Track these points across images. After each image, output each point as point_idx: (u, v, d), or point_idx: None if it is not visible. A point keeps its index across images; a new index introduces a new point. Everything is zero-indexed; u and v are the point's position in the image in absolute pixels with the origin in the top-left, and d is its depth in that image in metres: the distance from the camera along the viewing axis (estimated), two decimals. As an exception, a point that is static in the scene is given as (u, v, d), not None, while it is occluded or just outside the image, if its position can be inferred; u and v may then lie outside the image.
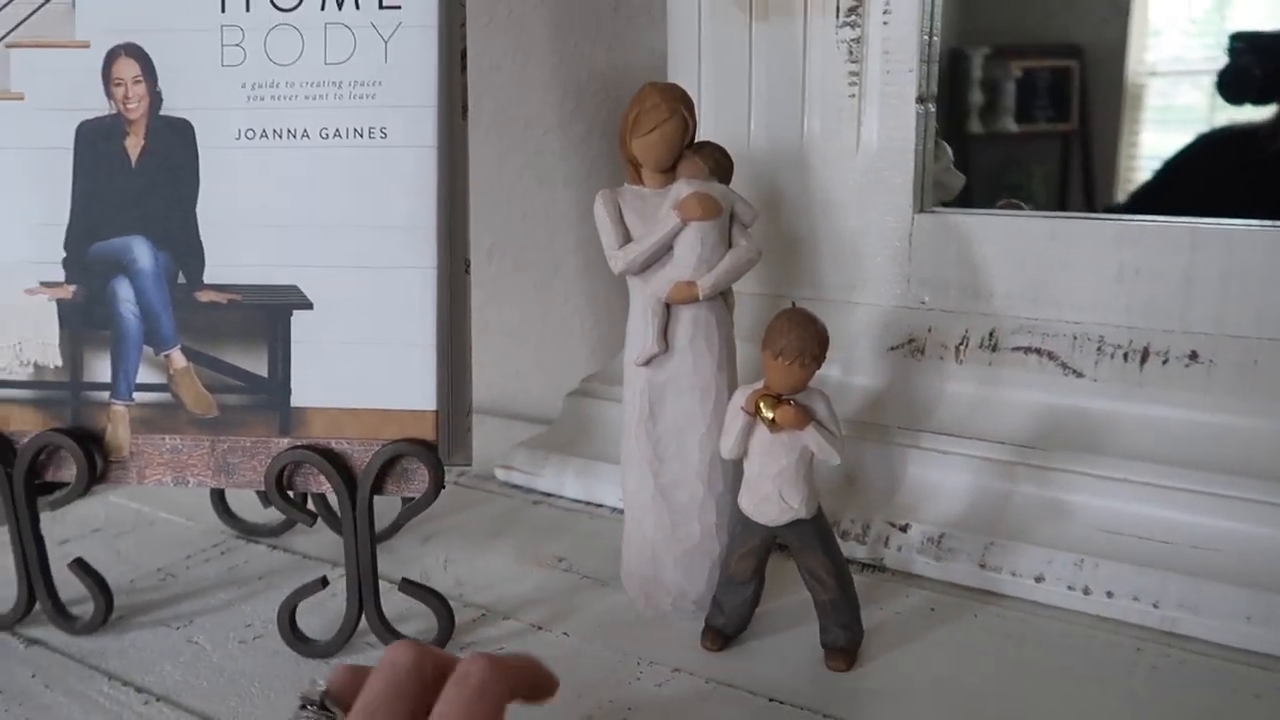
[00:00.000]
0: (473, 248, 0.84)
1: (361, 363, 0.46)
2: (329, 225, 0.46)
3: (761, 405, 0.42)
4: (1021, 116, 0.80)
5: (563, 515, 0.63)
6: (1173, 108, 0.77)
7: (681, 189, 0.46)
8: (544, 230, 0.82)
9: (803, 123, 0.61)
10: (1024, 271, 0.57)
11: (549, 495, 0.66)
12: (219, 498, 0.60)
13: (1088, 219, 0.55)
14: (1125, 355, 0.54)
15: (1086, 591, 0.49)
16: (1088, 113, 0.79)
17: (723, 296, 0.48)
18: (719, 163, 0.47)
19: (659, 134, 0.46)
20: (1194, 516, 0.49)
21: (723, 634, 0.47)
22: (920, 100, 0.58)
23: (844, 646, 0.45)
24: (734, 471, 0.48)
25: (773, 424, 0.42)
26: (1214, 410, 0.51)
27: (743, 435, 0.43)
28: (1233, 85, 0.69)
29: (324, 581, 0.48)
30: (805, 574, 0.45)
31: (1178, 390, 0.52)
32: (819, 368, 0.42)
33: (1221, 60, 0.69)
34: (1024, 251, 0.57)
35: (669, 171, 0.47)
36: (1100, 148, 0.81)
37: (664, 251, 0.46)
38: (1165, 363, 0.53)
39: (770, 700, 0.43)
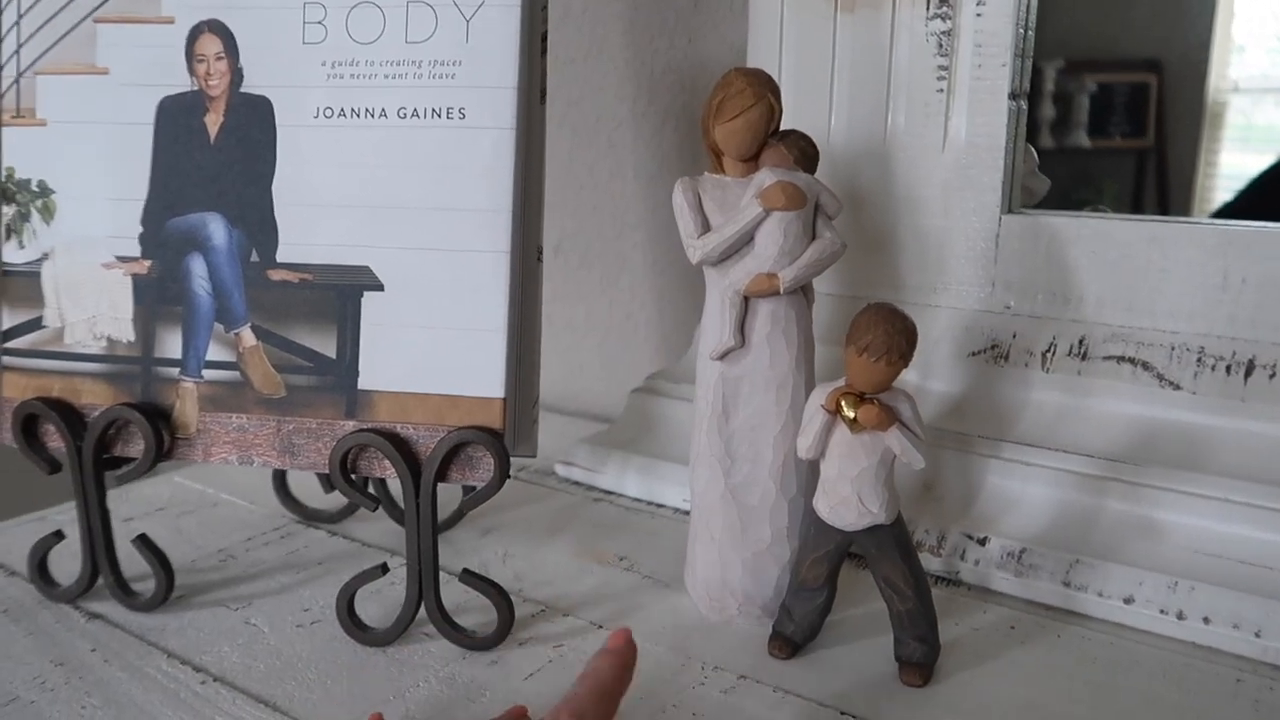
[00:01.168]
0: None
1: (430, 347, 0.45)
2: (403, 206, 0.45)
3: (843, 403, 0.41)
4: (1095, 131, 0.79)
5: (623, 514, 0.62)
6: (1255, 126, 0.75)
7: (765, 177, 0.44)
8: (612, 226, 0.81)
9: (887, 118, 0.59)
10: (1118, 277, 0.54)
11: (610, 493, 0.65)
12: (280, 481, 0.60)
13: (1190, 223, 0.53)
14: (1228, 368, 0.51)
15: (1181, 616, 0.46)
16: (1165, 129, 0.77)
17: (803, 291, 0.46)
18: (804, 152, 0.45)
19: (743, 120, 0.44)
20: (1302, 541, 0.46)
21: (791, 642, 0.45)
22: (1013, 96, 0.55)
23: (920, 661, 0.43)
24: (808, 473, 0.46)
25: (854, 423, 0.40)
26: (1325, 429, 0.48)
27: (822, 434, 0.42)
28: None
29: (384, 568, 0.47)
30: (881, 583, 0.43)
31: (1285, 407, 0.49)
32: (905, 366, 0.40)
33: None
34: (1119, 256, 0.54)
35: (752, 160, 0.46)
36: (1177, 165, 0.79)
37: (744, 242, 0.44)
38: (1272, 377, 0.50)
39: (842, 714, 0.41)
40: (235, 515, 0.61)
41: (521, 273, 0.47)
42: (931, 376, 0.58)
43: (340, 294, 0.46)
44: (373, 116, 0.45)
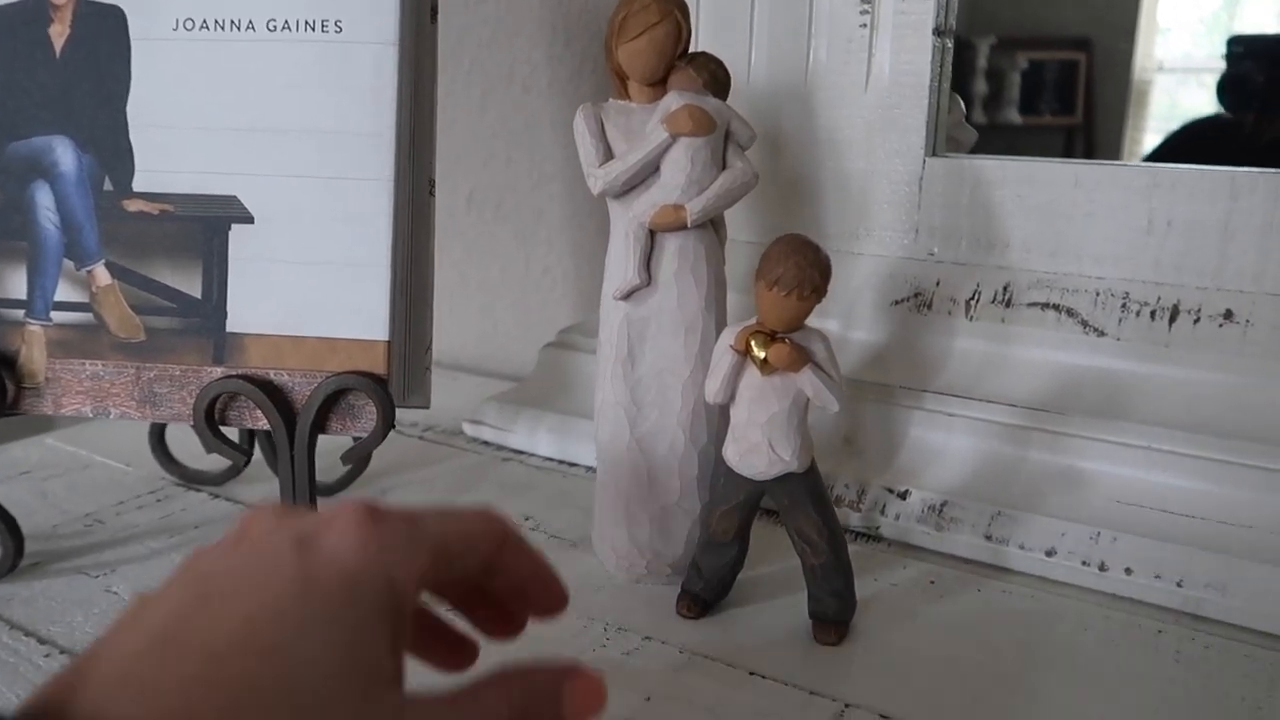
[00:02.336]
0: (452, 195, 0.80)
1: (306, 285, 0.41)
2: (274, 129, 0.41)
3: (753, 343, 0.38)
4: (1026, 108, 0.79)
5: (534, 473, 0.59)
6: (1179, 106, 0.76)
7: (671, 101, 0.41)
8: (528, 177, 0.77)
9: (808, 54, 0.56)
10: (1043, 222, 0.52)
11: (520, 453, 0.62)
12: (158, 439, 0.55)
13: (1116, 165, 0.51)
14: (1153, 313, 0.49)
15: (1103, 568, 0.44)
16: (1093, 107, 0.78)
17: (714, 226, 0.43)
18: (715, 75, 0.42)
19: (647, 39, 0.41)
20: (1224, 488, 0.44)
21: (701, 600, 0.42)
22: (937, 32, 0.53)
23: (834, 617, 0.41)
24: (720, 421, 0.43)
25: (764, 364, 0.38)
26: (1249, 374, 0.47)
27: (730, 377, 0.39)
28: (1233, 92, 0.66)
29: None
30: (794, 535, 0.40)
31: (1209, 352, 0.48)
32: (819, 301, 0.37)
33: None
34: (1044, 200, 0.52)
35: (659, 85, 0.42)
36: (1104, 143, 0.80)
37: (649, 171, 0.41)
38: (1197, 322, 0.48)
39: (750, 674, 0.38)
40: (108, 478, 0.56)
41: (411, 205, 0.43)
42: (854, 326, 0.56)
43: (205, 227, 0.42)
44: (238, 29, 0.41)
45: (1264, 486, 0.44)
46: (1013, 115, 0.80)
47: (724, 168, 0.41)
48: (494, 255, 0.80)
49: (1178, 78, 0.76)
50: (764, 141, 0.57)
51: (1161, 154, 0.76)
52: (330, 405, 0.41)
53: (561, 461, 0.60)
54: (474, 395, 0.68)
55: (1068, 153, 0.85)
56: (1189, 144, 0.72)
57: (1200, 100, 0.74)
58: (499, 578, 0.28)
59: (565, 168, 0.75)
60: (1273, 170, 0.47)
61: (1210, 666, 0.39)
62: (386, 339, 0.41)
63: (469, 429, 0.64)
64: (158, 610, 0.21)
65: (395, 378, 0.42)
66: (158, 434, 0.55)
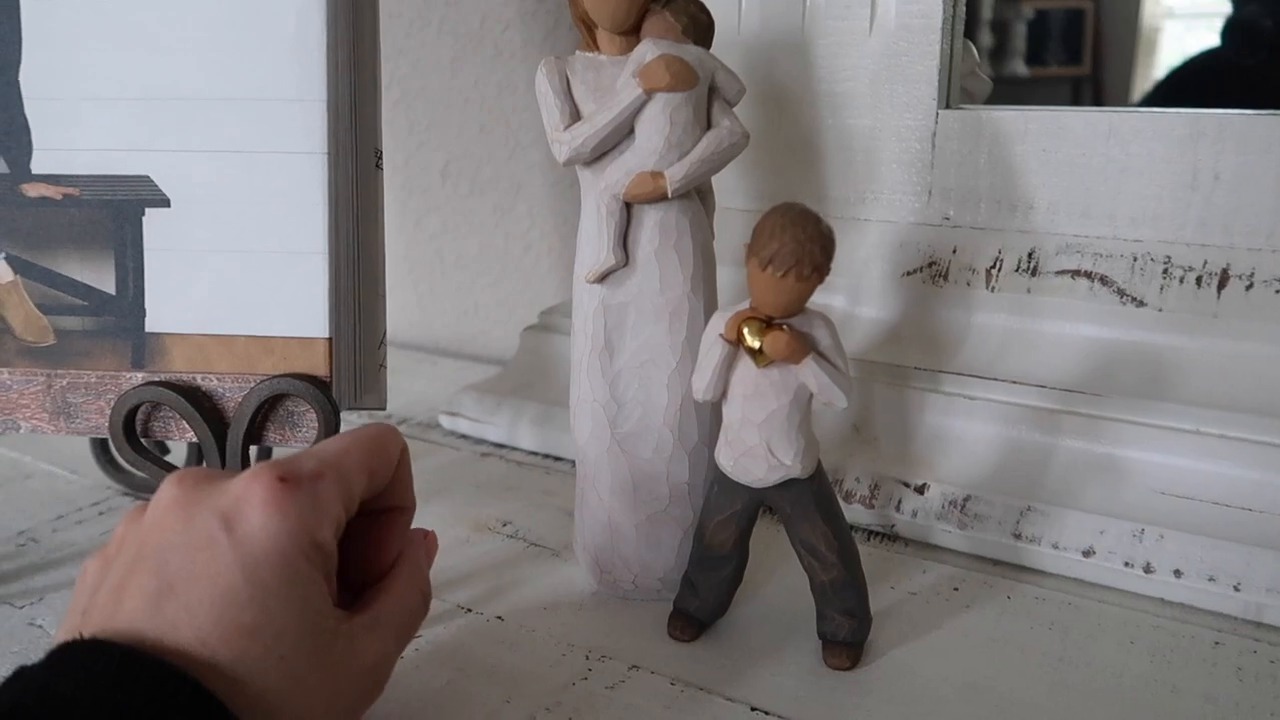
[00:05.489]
0: (426, 167, 0.74)
1: (234, 277, 0.36)
2: (189, 97, 0.36)
3: (745, 331, 0.32)
4: (1032, 59, 0.77)
5: (515, 470, 0.54)
6: (1188, 53, 0.74)
7: (645, 51, 0.35)
8: (504, 146, 0.71)
9: (805, -2, 0.50)
10: (1072, 179, 0.46)
11: (501, 447, 0.57)
12: (101, 447, 0.50)
13: (1155, 113, 0.45)
14: (1199, 279, 0.44)
15: (1148, 569, 0.39)
16: (1101, 56, 0.76)
17: (699, 196, 0.38)
18: (695, 19, 0.36)
19: (616, -21, 0.35)
20: (1285, 478, 0.39)
21: (695, 620, 0.37)
22: (950, -32, 0.47)
23: (847, 639, 0.36)
24: (712, 418, 0.38)
25: (760, 355, 0.32)
26: (1311, 347, 0.41)
27: (721, 371, 0.33)
28: (1241, 39, 0.61)
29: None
30: (800, 548, 0.35)
31: (1263, 322, 0.42)
32: (821, 281, 0.32)
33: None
34: (1072, 155, 0.46)
35: (631, 34, 0.37)
36: (1112, 92, 0.78)
37: (623, 134, 0.36)
38: (1249, 288, 0.43)
39: (753, 709, 0.33)
40: (51, 488, 0.52)
41: (355, 181, 0.38)
42: (861, 301, 0.50)
43: (115, 212, 0.36)
44: (143, -19, 0.35)
45: (1331, 474, 0.39)
46: (1019, 67, 0.77)
47: (708, 127, 0.36)
48: (472, 230, 0.75)
49: (1186, 23, 0.74)
50: (756, 97, 0.51)
51: (1163, 94, 0.73)
52: (266, 413, 0.36)
53: (546, 456, 0.55)
54: (454, 382, 0.63)
55: (1076, 103, 0.81)
56: (1193, 83, 0.68)
57: (1211, 46, 0.70)
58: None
59: (544, 135, 0.69)
60: (1337, 113, 0.41)
61: (1278, 685, 0.34)
62: (327, 336, 0.36)
63: (446, 421, 0.59)
64: (126, 604, 0.25)
65: (343, 378, 0.37)
66: (100, 440, 0.50)
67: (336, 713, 0.27)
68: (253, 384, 0.36)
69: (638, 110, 0.35)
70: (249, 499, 0.26)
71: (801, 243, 0.31)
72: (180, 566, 0.26)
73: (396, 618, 0.30)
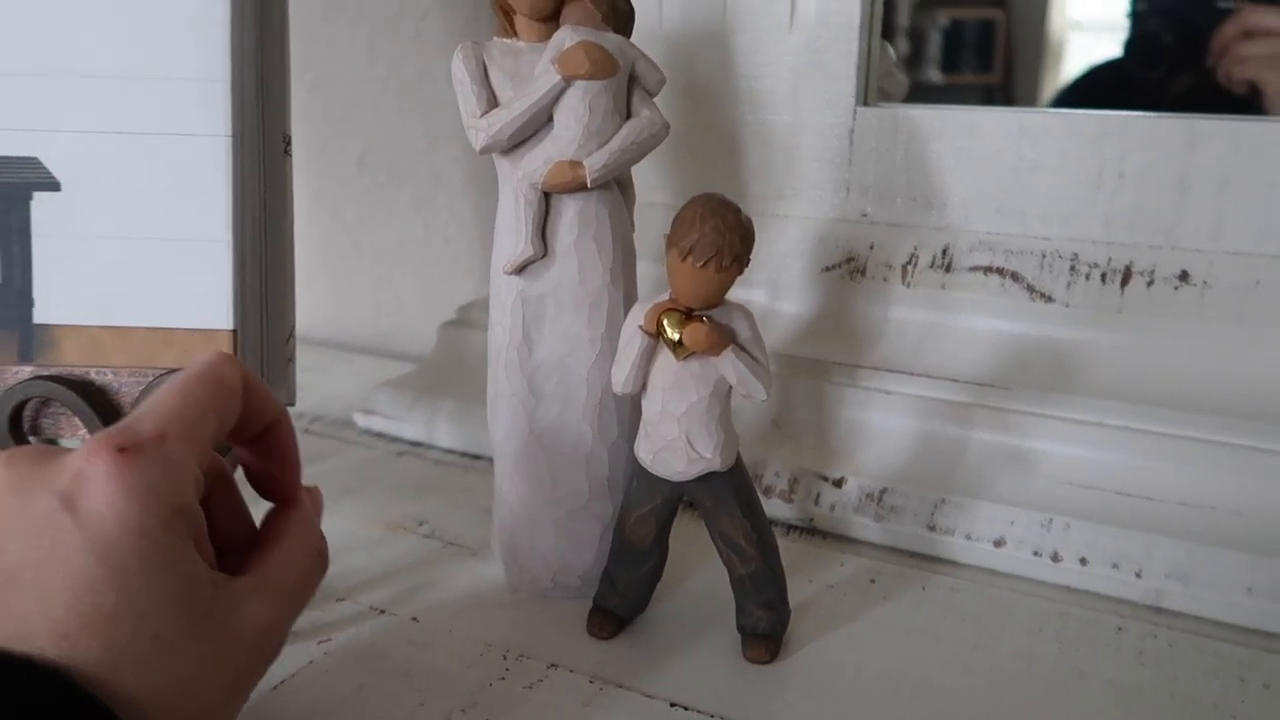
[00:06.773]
0: (341, 156, 0.72)
1: (130, 265, 0.34)
2: (81, 74, 0.34)
3: (665, 323, 0.32)
4: (947, 67, 0.79)
5: (432, 469, 0.53)
6: (1094, 62, 0.75)
7: (565, 38, 0.34)
8: (423, 136, 0.70)
9: (726, -8, 0.50)
10: (985, 177, 0.47)
11: (417, 445, 0.55)
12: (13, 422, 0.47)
13: (1065, 112, 0.46)
14: (1103, 275, 0.45)
15: (1056, 558, 0.40)
16: (1011, 65, 0.78)
17: (620, 187, 0.37)
18: (615, 7, 0.36)
19: (534, -36, 0.34)
20: (1184, 467, 0.41)
21: (615, 617, 0.37)
22: (868, -34, 0.48)
23: (766, 632, 0.36)
24: (632, 412, 0.38)
25: (679, 347, 0.32)
26: (1207, 340, 0.43)
27: (640, 363, 0.33)
28: (1141, 53, 0.64)
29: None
30: (719, 541, 0.35)
31: (1165, 317, 0.44)
32: (741, 272, 0.32)
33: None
34: (986, 153, 0.47)
35: (551, 21, 0.36)
36: (1022, 99, 0.80)
37: (541, 121, 0.35)
38: (1151, 284, 0.44)
39: (672, 705, 0.33)
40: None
41: (262, 166, 0.36)
42: (781, 296, 0.51)
43: (1, 196, 0.34)
44: (29, -51, 0.33)
45: (1227, 464, 0.40)
46: (934, 74, 0.79)
47: (628, 117, 0.35)
48: (390, 222, 0.73)
49: (1093, 34, 0.75)
50: (677, 90, 0.51)
51: (1069, 102, 0.75)
52: (165, 408, 0.34)
53: (464, 454, 0.54)
54: (370, 379, 0.61)
55: (988, 108, 0.84)
56: (1096, 92, 0.71)
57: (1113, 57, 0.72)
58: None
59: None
60: (1234, 117, 0.43)
61: (1176, 667, 0.36)
62: (231, 328, 0.34)
63: (360, 420, 0.57)
64: None
65: (248, 372, 0.35)
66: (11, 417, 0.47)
67: (226, 685, 0.25)
68: (150, 378, 0.34)
69: (556, 98, 0.34)
70: (90, 475, 0.24)
71: (721, 232, 0.31)
72: (21, 554, 0.23)
73: (285, 577, 0.28)
